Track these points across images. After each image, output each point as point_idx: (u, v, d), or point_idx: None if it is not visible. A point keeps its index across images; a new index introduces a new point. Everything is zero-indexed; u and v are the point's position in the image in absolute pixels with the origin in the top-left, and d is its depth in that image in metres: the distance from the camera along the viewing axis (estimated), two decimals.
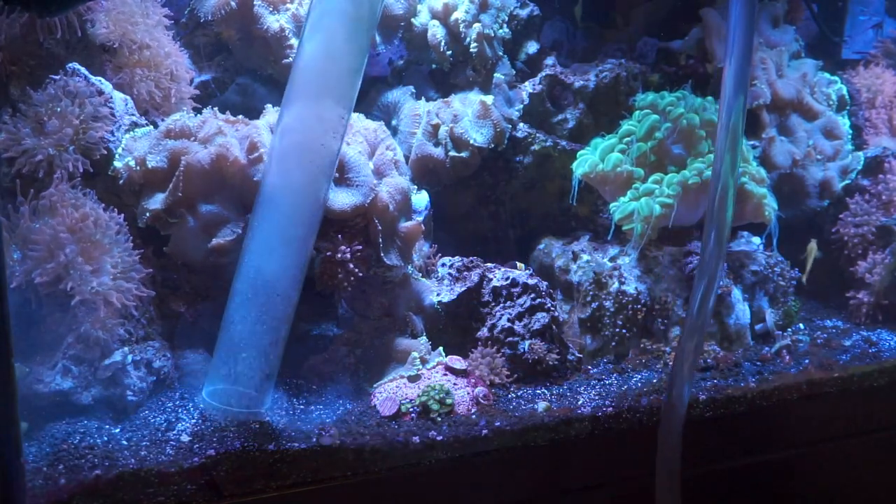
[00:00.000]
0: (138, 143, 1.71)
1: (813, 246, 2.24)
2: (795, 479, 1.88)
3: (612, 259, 2.03)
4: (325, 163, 1.59)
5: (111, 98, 1.69)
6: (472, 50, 2.06)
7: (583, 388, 1.78)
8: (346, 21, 1.58)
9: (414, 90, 2.15)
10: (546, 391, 1.76)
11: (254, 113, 1.87)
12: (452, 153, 2.04)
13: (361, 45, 1.61)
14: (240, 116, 1.81)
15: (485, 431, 1.58)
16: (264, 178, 1.59)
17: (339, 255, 1.69)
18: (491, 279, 1.87)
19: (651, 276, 1.98)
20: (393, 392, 1.65)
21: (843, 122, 2.37)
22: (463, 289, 1.86)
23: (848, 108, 2.41)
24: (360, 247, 1.72)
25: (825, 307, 2.29)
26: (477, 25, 2.05)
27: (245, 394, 1.49)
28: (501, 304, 1.85)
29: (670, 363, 1.86)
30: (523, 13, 2.18)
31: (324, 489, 1.47)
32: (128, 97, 1.76)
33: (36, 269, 1.48)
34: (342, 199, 1.70)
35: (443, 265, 1.92)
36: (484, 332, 1.82)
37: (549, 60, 2.21)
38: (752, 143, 2.18)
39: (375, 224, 1.74)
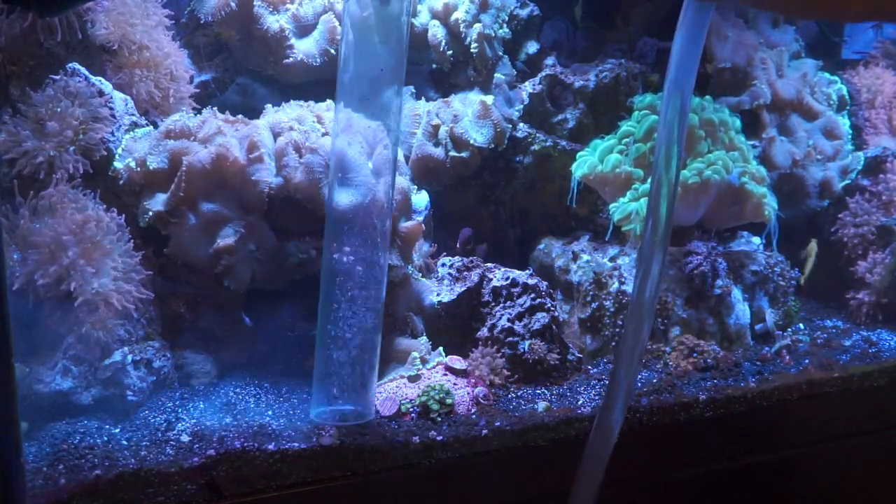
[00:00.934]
0: (138, 143, 1.71)
1: (813, 246, 2.24)
2: (795, 479, 1.88)
3: (612, 259, 2.03)
4: (387, 167, 1.58)
5: (111, 98, 1.69)
6: (472, 50, 2.06)
7: (583, 388, 1.78)
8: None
9: (414, 90, 2.15)
10: (546, 391, 1.76)
11: (254, 113, 1.87)
12: (452, 153, 2.04)
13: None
14: (240, 116, 1.81)
15: (485, 431, 1.58)
16: (330, 195, 1.56)
17: None
18: (491, 279, 1.87)
19: None
20: (393, 392, 1.65)
21: (843, 122, 2.37)
22: (463, 289, 1.86)
23: (848, 108, 2.41)
24: None
25: (825, 307, 2.29)
26: (477, 25, 2.05)
27: (349, 410, 1.52)
28: (501, 304, 1.85)
29: (670, 363, 1.86)
30: (523, 13, 2.18)
31: (324, 489, 1.47)
32: (128, 97, 1.76)
33: (37, 271, 1.48)
34: (341, 198, 1.70)
35: (443, 265, 1.92)
36: (484, 332, 1.82)
37: (549, 60, 2.21)
38: (752, 142, 2.18)
39: None
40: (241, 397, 1.67)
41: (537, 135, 2.12)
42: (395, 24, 1.53)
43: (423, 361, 1.74)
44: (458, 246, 2.08)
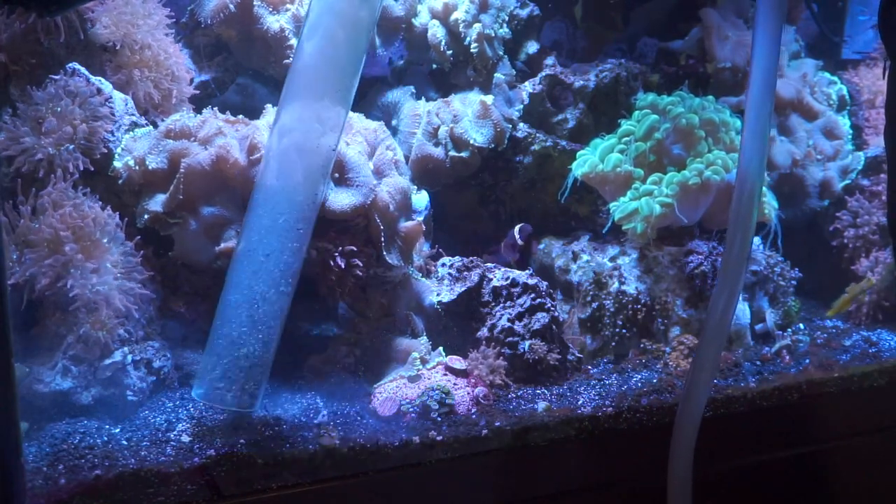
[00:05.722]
0: (138, 143, 1.71)
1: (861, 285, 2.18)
2: (795, 479, 1.88)
3: (612, 259, 2.03)
4: (321, 162, 1.59)
5: (111, 98, 1.70)
6: (472, 50, 2.06)
7: (583, 388, 1.78)
8: (344, 21, 1.58)
9: (414, 90, 2.15)
10: (546, 391, 1.76)
11: (254, 113, 1.87)
12: (452, 153, 2.04)
13: (359, 44, 1.62)
14: (240, 116, 1.81)
15: (485, 431, 1.58)
16: (260, 177, 1.58)
17: (350, 260, 1.69)
18: (491, 279, 1.87)
19: (651, 276, 1.98)
20: (393, 392, 1.65)
21: (844, 122, 2.37)
22: (463, 289, 1.86)
23: (848, 108, 2.41)
24: (362, 248, 1.72)
25: (825, 307, 2.29)
26: (477, 25, 2.05)
27: (233, 395, 1.49)
28: (501, 304, 1.84)
29: (670, 363, 1.86)
30: (523, 13, 2.18)
31: (324, 489, 1.47)
32: (128, 97, 1.76)
33: (34, 268, 1.48)
34: (342, 199, 1.70)
35: (443, 265, 1.92)
36: (484, 332, 1.82)
37: (549, 60, 2.21)
38: None
39: (377, 224, 1.74)
40: None
41: (537, 135, 2.12)
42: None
43: (423, 361, 1.74)
44: (519, 242, 2.01)
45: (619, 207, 1.96)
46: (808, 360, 1.93)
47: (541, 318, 1.82)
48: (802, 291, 2.20)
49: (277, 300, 1.52)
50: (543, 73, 2.18)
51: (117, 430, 1.51)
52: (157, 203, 1.67)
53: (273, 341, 1.53)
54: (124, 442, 1.47)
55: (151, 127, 1.77)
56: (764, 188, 2.01)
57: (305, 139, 1.57)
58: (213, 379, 1.48)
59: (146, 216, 1.66)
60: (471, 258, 1.93)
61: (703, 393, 1.46)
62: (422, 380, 1.68)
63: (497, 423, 1.60)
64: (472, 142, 2.02)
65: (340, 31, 1.58)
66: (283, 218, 1.53)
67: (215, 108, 1.80)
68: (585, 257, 2.06)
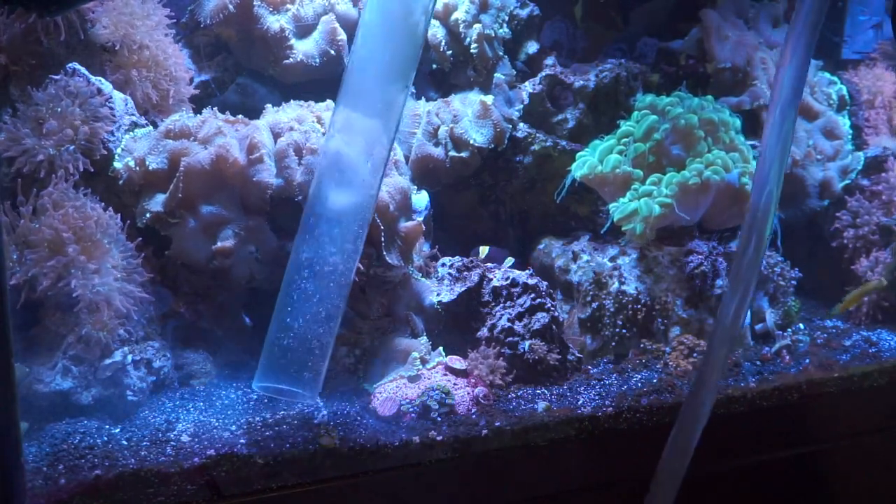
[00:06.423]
0: (138, 143, 1.71)
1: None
2: (795, 479, 1.88)
3: (612, 259, 2.03)
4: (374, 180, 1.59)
5: (111, 98, 1.70)
6: (472, 50, 2.06)
7: (583, 388, 1.78)
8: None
9: (414, 90, 2.15)
10: (546, 391, 1.76)
11: (254, 113, 1.87)
12: (452, 153, 2.04)
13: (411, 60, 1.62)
14: (240, 116, 1.81)
15: (485, 431, 1.58)
16: (317, 187, 1.56)
17: None
18: (491, 279, 1.87)
19: (651, 276, 1.98)
20: (393, 392, 1.65)
21: (843, 122, 2.37)
22: (463, 289, 1.86)
23: (848, 108, 2.41)
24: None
25: (825, 307, 2.29)
26: (477, 26, 2.05)
27: (292, 392, 1.51)
28: (501, 304, 1.85)
29: (670, 363, 1.86)
30: (523, 13, 2.18)
31: (324, 489, 1.48)
32: (128, 97, 1.76)
33: (36, 268, 1.48)
34: (337, 198, 1.70)
35: (443, 265, 1.92)
36: (484, 332, 1.82)
37: (549, 60, 2.21)
38: (752, 142, 2.18)
39: (376, 224, 1.74)
40: (240, 397, 1.67)
41: (537, 135, 2.12)
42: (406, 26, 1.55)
43: (423, 361, 1.74)
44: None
45: (619, 208, 1.96)
46: (808, 360, 1.93)
47: (541, 318, 1.83)
48: (802, 291, 2.20)
49: (336, 299, 1.53)
50: (543, 73, 2.18)
51: (117, 430, 1.51)
52: (157, 203, 1.67)
53: (332, 335, 1.54)
54: (124, 442, 1.47)
55: (151, 127, 1.77)
56: None
57: (356, 153, 1.57)
58: (275, 371, 1.50)
59: (147, 216, 1.66)
60: (471, 258, 1.94)
61: (708, 400, 1.45)
62: (422, 380, 1.69)
63: (497, 423, 1.60)
64: (471, 142, 2.02)
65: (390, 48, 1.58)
66: (335, 233, 1.54)
67: (215, 108, 1.80)
68: (585, 257, 2.06)
